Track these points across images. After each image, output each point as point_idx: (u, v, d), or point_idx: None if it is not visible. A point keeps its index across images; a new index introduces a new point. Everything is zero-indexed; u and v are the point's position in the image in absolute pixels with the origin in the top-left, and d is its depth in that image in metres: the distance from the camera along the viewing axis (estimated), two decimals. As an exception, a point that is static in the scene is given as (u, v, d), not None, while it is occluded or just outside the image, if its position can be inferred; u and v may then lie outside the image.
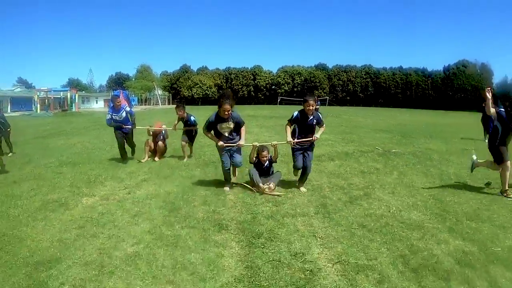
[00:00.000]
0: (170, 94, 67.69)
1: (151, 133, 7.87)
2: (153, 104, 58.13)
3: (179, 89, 72.29)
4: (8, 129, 9.08)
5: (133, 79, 65.83)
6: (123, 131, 7.50)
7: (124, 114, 7.40)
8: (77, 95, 36.05)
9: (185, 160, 7.65)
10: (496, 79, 63.06)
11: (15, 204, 4.52)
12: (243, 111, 25.30)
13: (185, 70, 76.22)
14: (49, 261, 2.98)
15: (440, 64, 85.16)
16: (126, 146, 7.66)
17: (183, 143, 7.68)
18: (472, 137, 12.14)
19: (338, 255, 3.10)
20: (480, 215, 4.14)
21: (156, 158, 7.69)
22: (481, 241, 3.42)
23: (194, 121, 7.82)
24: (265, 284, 2.65)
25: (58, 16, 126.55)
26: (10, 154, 8.66)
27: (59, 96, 35.90)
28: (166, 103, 61.33)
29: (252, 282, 2.69)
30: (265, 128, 14.42)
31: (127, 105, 7.63)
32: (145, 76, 62.98)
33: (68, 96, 33.45)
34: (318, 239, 3.44)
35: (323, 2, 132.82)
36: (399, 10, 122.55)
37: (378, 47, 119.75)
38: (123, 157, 7.63)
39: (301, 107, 5.01)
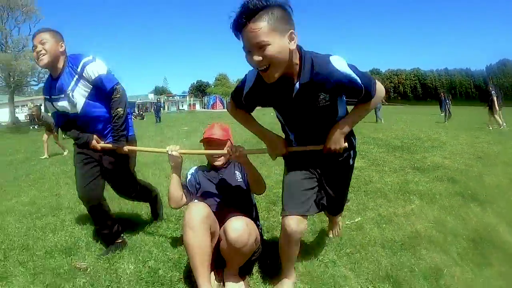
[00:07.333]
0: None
1: None
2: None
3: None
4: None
5: (213, 86, 77.67)
6: None
7: None
8: (192, 98, 53.23)
9: None
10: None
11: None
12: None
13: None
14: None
15: (483, 63, 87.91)
16: None
17: None
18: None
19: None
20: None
21: None
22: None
23: None
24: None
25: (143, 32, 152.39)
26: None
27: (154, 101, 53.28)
28: (243, 105, 76.13)
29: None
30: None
31: None
32: (223, 83, 76.82)
33: (188, 100, 50.58)
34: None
35: (380, 14, 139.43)
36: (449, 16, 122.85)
37: (426, 49, 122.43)
38: None
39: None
